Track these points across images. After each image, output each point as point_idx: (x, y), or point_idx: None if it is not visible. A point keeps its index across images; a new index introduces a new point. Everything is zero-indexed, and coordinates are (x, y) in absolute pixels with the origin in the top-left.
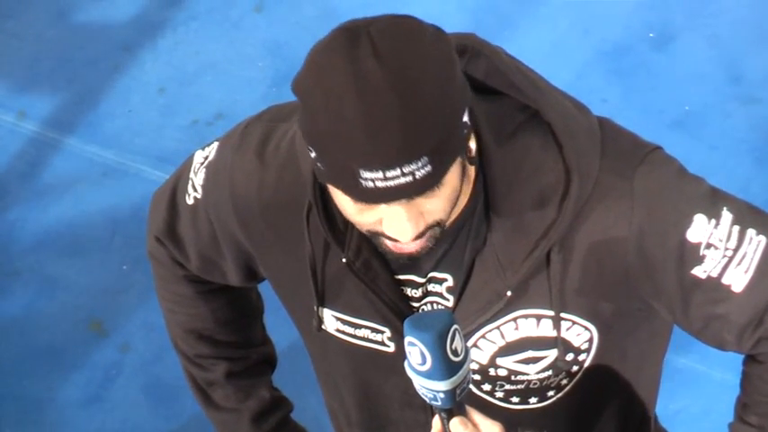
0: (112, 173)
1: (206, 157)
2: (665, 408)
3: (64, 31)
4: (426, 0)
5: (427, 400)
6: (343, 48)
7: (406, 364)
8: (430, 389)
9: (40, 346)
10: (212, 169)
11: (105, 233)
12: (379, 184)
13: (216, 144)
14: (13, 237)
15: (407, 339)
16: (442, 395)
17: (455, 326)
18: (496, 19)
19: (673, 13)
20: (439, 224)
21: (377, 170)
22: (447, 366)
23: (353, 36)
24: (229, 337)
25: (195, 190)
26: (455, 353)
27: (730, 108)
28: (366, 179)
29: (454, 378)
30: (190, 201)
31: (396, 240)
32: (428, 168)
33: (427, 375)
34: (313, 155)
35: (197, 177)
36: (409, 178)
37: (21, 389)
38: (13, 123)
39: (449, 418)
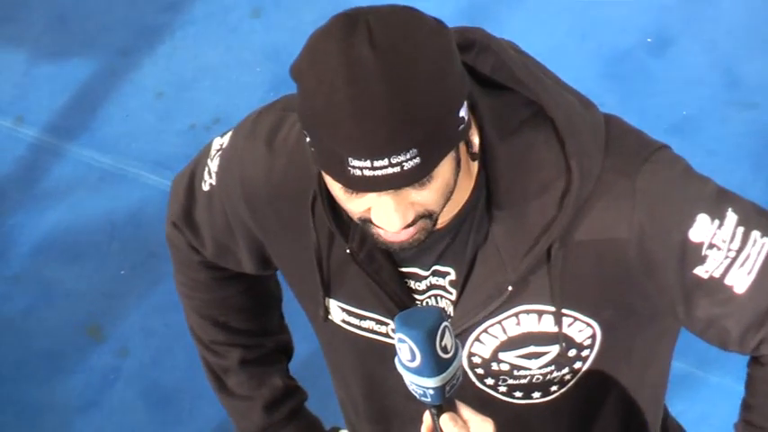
0: (110, 178)
1: (222, 145)
2: None
3: (62, 35)
4: (423, 3)
5: (417, 396)
6: (340, 33)
7: (396, 360)
8: (420, 385)
9: (38, 350)
10: (225, 157)
11: (103, 238)
12: (367, 173)
13: (231, 132)
14: (11, 242)
15: (397, 336)
16: (431, 392)
17: (445, 323)
18: (494, 23)
19: (670, 19)
20: (430, 216)
21: (364, 159)
22: (436, 363)
23: (351, 22)
24: (244, 324)
25: (210, 177)
26: (445, 350)
27: (727, 113)
28: (354, 167)
29: (444, 375)
30: (206, 187)
31: (384, 229)
32: (417, 161)
33: (417, 372)
34: (308, 139)
35: (213, 164)
36: (397, 169)
37: (19, 393)
38: (10, 128)
39: (439, 415)
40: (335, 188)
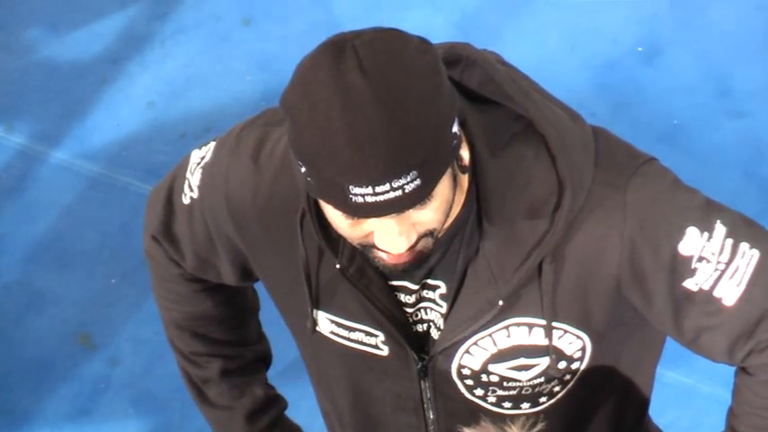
0: (100, 186)
1: (202, 158)
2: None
3: (52, 44)
4: (414, 14)
5: None
6: (329, 62)
7: None
8: None
9: (28, 359)
10: (208, 171)
11: (93, 246)
12: (369, 199)
13: (212, 144)
14: (1, 250)
15: None
16: None
17: None
18: (485, 33)
19: (661, 28)
20: (432, 233)
21: (366, 185)
22: None
23: (338, 50)
24: (225, 335)
25: (191, 190)
26: None
27: (718, 122)
28: (356, 194)
29: None
30: (186, 200)
31: (388, 252)
32: (417, 182)
33: None
34: (303, 169)
35: (193, 177)
36: (399, 192)
37: (9, 402)
38: (1, 136)
39: None
40: (335, 216)
